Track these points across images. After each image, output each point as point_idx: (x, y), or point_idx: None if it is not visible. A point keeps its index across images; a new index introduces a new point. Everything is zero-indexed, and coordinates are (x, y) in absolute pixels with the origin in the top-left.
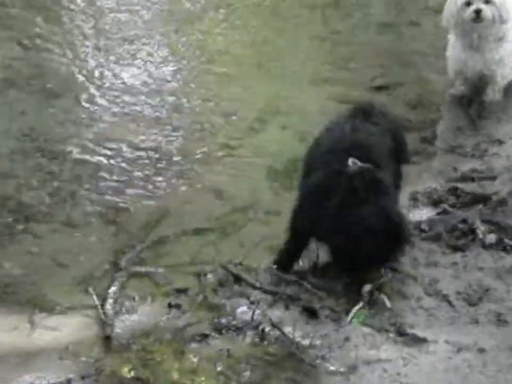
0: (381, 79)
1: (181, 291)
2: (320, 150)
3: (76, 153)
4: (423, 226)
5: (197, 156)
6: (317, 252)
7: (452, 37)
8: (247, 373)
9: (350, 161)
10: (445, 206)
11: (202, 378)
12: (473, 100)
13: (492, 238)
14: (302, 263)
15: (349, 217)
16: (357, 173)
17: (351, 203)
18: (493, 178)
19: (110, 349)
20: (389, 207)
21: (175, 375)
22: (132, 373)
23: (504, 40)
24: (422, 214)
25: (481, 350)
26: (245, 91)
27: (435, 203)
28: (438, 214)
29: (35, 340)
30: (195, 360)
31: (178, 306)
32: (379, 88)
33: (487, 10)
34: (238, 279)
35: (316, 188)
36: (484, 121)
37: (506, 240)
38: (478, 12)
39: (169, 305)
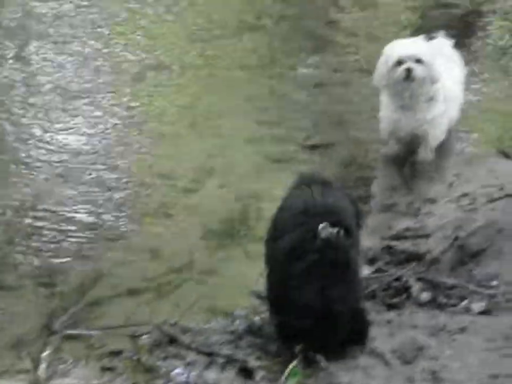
0: (314, 138)
1: (115, 353)
2: (290, 213)
3: (8, 215)
4: None
5: (133, 216)
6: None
7: (384, 98)
8: None
9: (321, 226)
10: (379, 264)
11: None
12: (406, 159)
13: (425, 296)
14: (238, 322)
15: (314, 293)
16: (327, 239)
17: (318, 274)
18: (426, 236)
19: None
20: (356, 298)
21: None
22: None
23: (435, 100)
24: None
25: None
26: (181, 151)
27: (370, 261)
28: (372, 272)
29: None
30: None
31: (112, 369)
32: (312, 147)
33: (417, 69)
34: (173, 340)
35: (285, 251)
36: (417, 181)
37: (439, 298)
38: (409, 71)
39: (103, 368)
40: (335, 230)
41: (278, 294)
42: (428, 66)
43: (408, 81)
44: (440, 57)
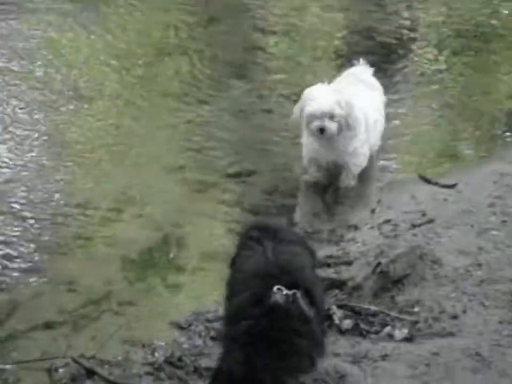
0: (236, 166)
1: None
2: (241, 276)
3: None
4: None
5: (49, 247)
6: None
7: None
8: None
9: (275, 289)
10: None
11: None
12: (329, 186)
13: (348, 323)
14: (157, 354)
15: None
16: (275, 305)
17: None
18: (349, 263)
19: None
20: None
21: None
22: None
23: (356, 135)
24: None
25: None
26: (99, 180)
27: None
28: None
29: None
30: None
31: None
32: (234, 175)
33: (331, 127)
34: (90, 373)
35: (235, 317)
36: (340, 207)
37: (362, 325)
38: (321, 130)
39: None
40: (290, 292)
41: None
42: (344, 117)
43: (322, 135)
44: (360, 84)
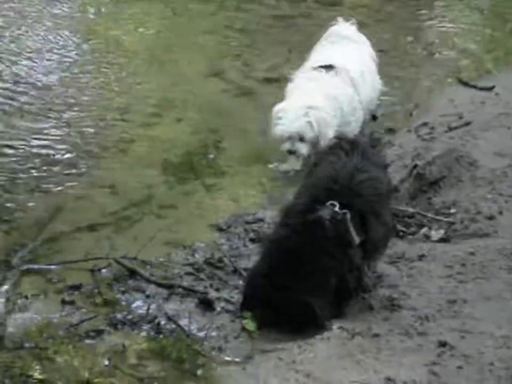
0: (274, 71)
1: (75, 287)
2: (313, 181)
3: None
4: None
5: (91, 151)
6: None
7: None
8: (144, 367)
9: (328, 203)
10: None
11: (98, 375)
12: None
13: None
14: (197, 255)
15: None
16: (324, 219)
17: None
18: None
19: (2, 348)
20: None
21: (69, 372)
22: (26, 371)
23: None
24: None
25: (375, 335)
26: (139, 85)
27: None
28: None
29: None
30: (90, 356)
31: (72, 302)
32: (270, 80)
33: (300, 150)
34: (132, 274)
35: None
36: None
37: (399, 227)
38: (291, 152)
39: (63, 302)
40: (340, 211)
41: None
42: (316, 133)
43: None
44: (343, 41)
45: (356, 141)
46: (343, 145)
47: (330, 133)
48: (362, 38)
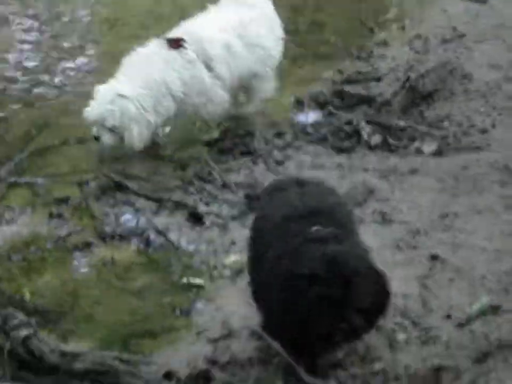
0: None
1: (62, 200)
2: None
3: None
4: (309, 129)
5: (79, 66)
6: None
7: None
8: (133, 280)
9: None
10: (330, 108)
11: (86, 288)
12: None
13: (376, 138)
14: (186, 169)
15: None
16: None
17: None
18: (378, 79)
19: None
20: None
21: (57, 284)
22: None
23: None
24: (307, 117)
25: None
26: None
27: (321, 106)
28: (323, 116)
29: None
30: (78, 268)
31: (59, 215)
32: None
33: (105, 139)
34: (121, 187)
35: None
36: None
37: (390, 140)
38: (96, 139)
39: (50, 215)
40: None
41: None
42: (123, 130)
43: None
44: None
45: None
46: (276, 186)
47: (136, 129)
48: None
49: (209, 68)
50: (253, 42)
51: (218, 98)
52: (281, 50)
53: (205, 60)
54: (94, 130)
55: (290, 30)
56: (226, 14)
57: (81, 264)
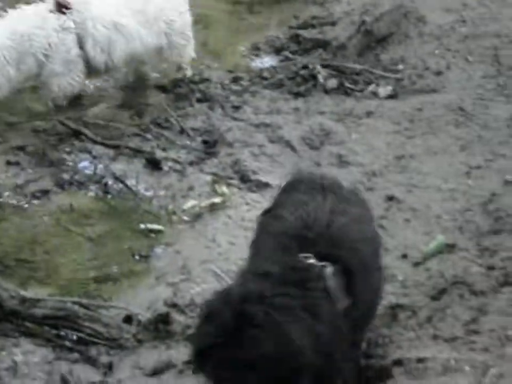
0: None
1: (19, 148)
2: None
3: None
4: (265, 74)
5: None
6: None
7: None
8: (92, 227)
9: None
10: (286, 53)
11: (45, 234)
12: None
13: (332, 82)
14: (143, 116)
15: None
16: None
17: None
18: (333, 23)
19: None
20: None
21: (16, 232)
22: None
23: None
24: (264, 62)
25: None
26: None
27: (277, 51)
28: (280, 61)
29: None
30: (37, 216)
31: (17, 163)
32: None
33: None
34: (78, 134)
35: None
36: None
37: (346, 84)
38: None
39: (8, 163)
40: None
41: None
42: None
43: None
44: None
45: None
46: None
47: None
48: None
49: (81, 44)
50: (150, 17)
51: (78, 74)
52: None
53: (80, 34)
54: None
55: None
56: None
57: (40, 212)
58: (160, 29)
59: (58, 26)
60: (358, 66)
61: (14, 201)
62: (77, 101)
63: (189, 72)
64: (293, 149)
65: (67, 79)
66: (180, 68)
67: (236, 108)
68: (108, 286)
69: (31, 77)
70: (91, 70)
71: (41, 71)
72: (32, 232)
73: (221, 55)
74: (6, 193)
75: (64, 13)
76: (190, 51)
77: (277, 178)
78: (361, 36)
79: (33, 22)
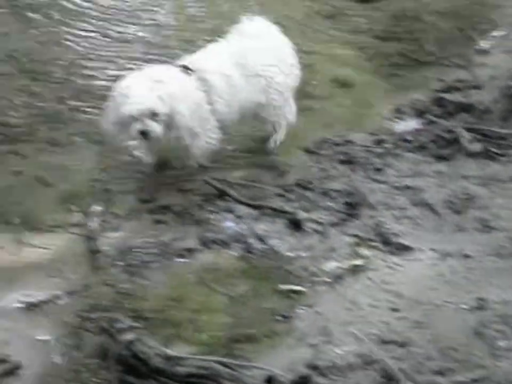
0: None
1: (166, 207)
2: None
3: (59, 73)
4: (408, 136)
5: None
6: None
7: None
8: (235, 286)
9: None
10: (429, 116)
11: (189, 292)
12: None
13: (476, 146)
14: (286, 177)
15: None
16: None
17: None
18: (478, 87)
19: (96, 265)
20: None
21: (162, 290)
22: (118, 288)
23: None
24: (407, 125)
25: (466, 256)
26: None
27: (420, 114)
28: (423, 124)
29: (22, 258)
30: (182, 274)
31: (163, 222)
32: (363, 1)
33: (154, 129)
34: (222, 194)
35: None
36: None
37: (491, 148)
38: (144, 134)
39: (155, 221)
40: None
41: None
42: (169, 115)
43: (146, 140)
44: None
45: None
46: None
47: (184, 106)
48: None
49: (209, 100)
50: (252, 72)
51: (213, 135)
52: (294, 78)
53: (207, 91)
54: (138, 126)
55: (390, 38)
56: (230, 45)
57: (184, 270)
58: (260, 85)
59: (192, 86)
60: (503, 131)
61: (160, 259)
62: (218, 161)
63: (279, 137)
64: (435, 212)
65: (205, 138)
66: (273, 131)
67: (378, 170)
68: (250, 345)
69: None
70: (221, 125)
71: (180, 131)
72: (177, 290)
73: (364, 117)
74: (153, 251)
75: (189, 74)
76: (287, 114)
77: (419, 242)
78: (506, 100)
79: (176, 82)
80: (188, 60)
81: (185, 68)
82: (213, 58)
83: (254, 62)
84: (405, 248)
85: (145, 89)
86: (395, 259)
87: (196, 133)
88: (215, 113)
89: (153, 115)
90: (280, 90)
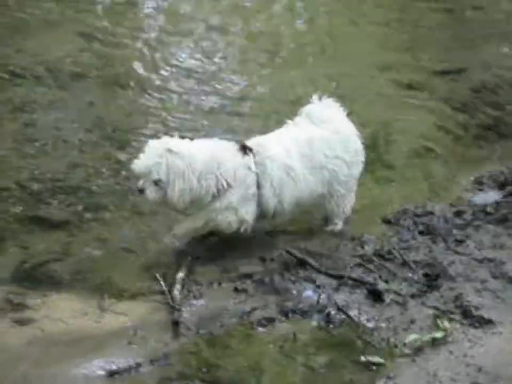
0: (444, 63)
1: (247, 276)
2: None
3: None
4: (489, 209)
5: None
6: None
7: None
8: (314, 356)
9: None
10: (510, 188)
11: (269, 362)
12: None
13: None
14: (366, 247)
15: None
16: None
17: None
18: None
19: (178, 334)
20: None
21: (242, 359)
22: (199, 356)
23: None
24: (487, 197)
25: None
26: (309, 75)
27: (501, 186)
28: (504, 196)
29: (104, 325)
30: (262, 343)
31: (244, 290)
32: (442, 73)
33: (150, 192)
34: (302, 264)
35: None
36: None
37: None
38: (141, 191)
39: (236, 290)
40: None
41: None
42: (167, 186)
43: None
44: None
45: None
46: None
47: (179, 184)
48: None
49: (259, 184)
50: (316, 164)
51: (244, 215)
52: (359, 165)
53: (259, 175)
54: (140, 183)
55: (470, 110)
56: (296, 132)
57: (264, 339)
58: (323, 177)
59: (245, 163)
60: None
61: (241, 328)
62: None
63: (338, 227)
64: None
65: (238, 215)
66: (331, 221)
67: (459, 241)
68: None
69: (208, 195)
70: (260, 212)
71: (217, 197)
72: (256, 359)
73: (444, 188)
74: (233, 320)
75: (247, 154)
76: (347, 204)
77: (499, 315)
78: None
79: (227, 150)
80: (255, 141)
81: (244, 148)
82: (278, 144)
83: (319, 154)
84: (485, 321)
85: (153, 153)
86: (475, 332)
87: (231, 204)
88: (261, 197)
89: (149, 178)
90: (344, 181)
